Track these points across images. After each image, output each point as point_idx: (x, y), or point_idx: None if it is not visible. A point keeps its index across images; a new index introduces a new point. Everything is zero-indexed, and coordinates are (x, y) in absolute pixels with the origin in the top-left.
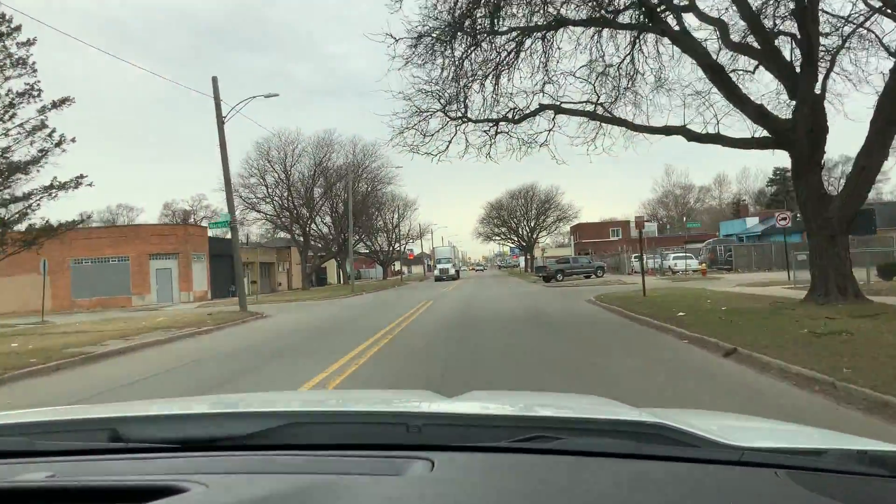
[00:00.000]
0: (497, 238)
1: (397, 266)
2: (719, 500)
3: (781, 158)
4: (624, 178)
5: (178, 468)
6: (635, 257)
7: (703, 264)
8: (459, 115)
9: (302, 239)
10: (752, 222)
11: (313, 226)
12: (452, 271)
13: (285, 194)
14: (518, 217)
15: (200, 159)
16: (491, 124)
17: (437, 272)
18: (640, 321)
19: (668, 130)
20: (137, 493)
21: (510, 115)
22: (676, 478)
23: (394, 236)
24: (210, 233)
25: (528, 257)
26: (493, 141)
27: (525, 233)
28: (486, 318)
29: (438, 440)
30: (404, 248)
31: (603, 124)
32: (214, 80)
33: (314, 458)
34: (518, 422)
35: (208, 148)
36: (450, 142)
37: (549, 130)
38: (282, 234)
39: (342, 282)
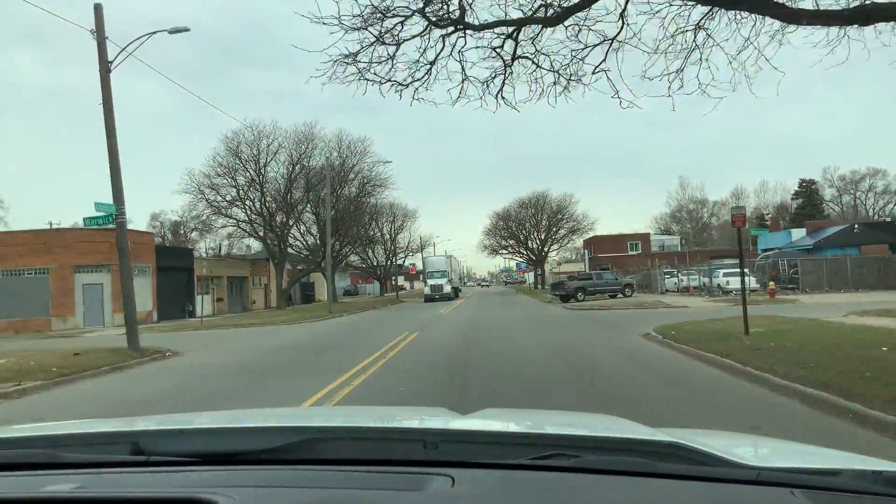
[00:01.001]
0: (504, 252)
1: (400, 281)
2: None
3: (808, 169)
4: (634, 194)
5: (201, 482)
6: (666, 273)
7: (771, 284)
8: (450, 18)
9: (277, 249)
10: (798, 234)
11: (294, 234)
12: (448, 288)
13: (258, 197)
14: (528, 229)
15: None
16: (504, 35)
17: (427, 290)
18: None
19: None
20: None
21: (543, 12)
22: (695, 496)
23: (391, 248)
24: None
25: (538, 273)
26: (509, 68)
27: (535, 246)
28: (496, 368)
29: (456, 457)
30: (404, 261)
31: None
32: (98, 7)
33: (335, 474)
34: (535, 440)
35: (198, 152)
36: (432, 63)
37: (611, 40)
38: (255, 245)
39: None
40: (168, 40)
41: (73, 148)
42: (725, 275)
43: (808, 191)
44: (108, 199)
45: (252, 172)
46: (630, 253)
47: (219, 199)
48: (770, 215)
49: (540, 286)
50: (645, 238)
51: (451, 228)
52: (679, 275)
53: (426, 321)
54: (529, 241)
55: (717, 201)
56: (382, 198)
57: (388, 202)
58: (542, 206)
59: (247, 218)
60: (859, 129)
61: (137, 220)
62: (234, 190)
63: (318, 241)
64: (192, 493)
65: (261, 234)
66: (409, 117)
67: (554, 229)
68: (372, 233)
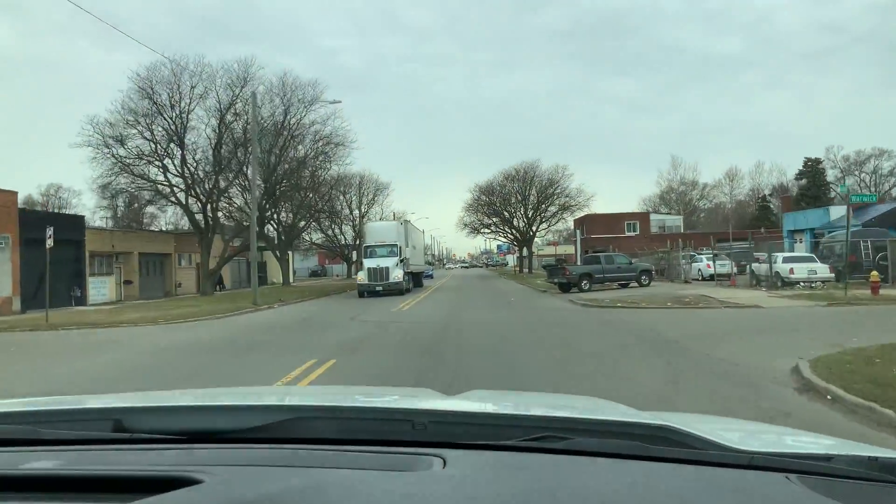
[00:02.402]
0: (487, 231)
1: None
2: (732, 503)
3: (811, 148)
4: (623, 174)
5: (186, 459)
6: (688, 256)
7: (874, 274)
8: None
9: (203, 219)
10: (837, 213)
11: (230, 201)
12: (397, 274)
13: (178, 153)
14: (513, 205)
15: None
16: None
17: (362, 276)
18: None
19: None
20: (147, 483)
21: None
22: (687, 480)
23: (360, 225)
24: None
25: (522, 255)
26: None
27: (522, 224)
28: None
29: (445, 438)
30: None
31: None
32: None
33: (323, 453)
34: (524, 421)
35: None
36: None
37: None
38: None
39: (293, 279)
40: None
41: None
42: (786, 260)
43: (813, 170)
44: None
45: (169, 121)
46: (627, 234)
47: (128, 154)
48: (767, 195)
49: (527, 270)
50: (644, 217)
51: (430, 207)
52: (705, 259)
53: (366, 331)
54: (515, 220)
55: (706, 184)
56: (347, 164)
57: (356, 172)
58: (530, 178)
59: (165, 179)
60: (846, 113)
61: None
62: (151, 144)
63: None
64: (178, 471)
65: (183, 200)
66: (394, 97)
67: (543, 205)
68: (339, 207)
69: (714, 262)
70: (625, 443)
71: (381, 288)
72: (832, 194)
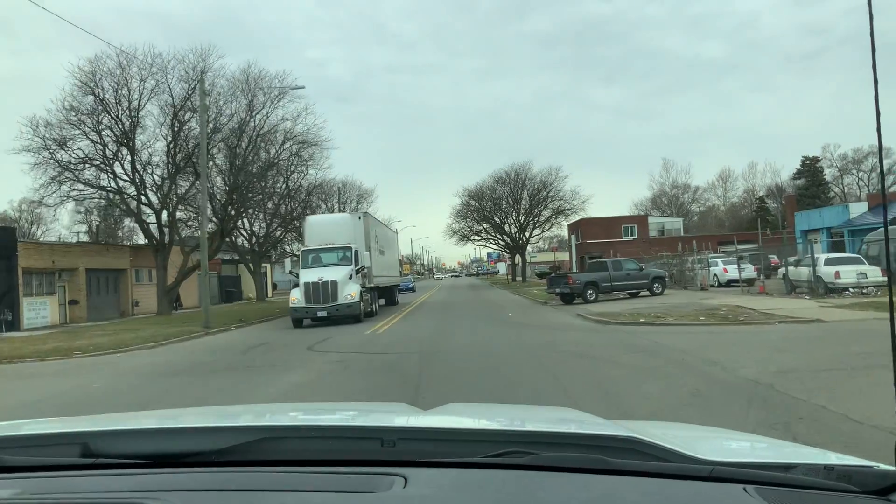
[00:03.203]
0: (477, 238)
1: None
2: None
3: (809, 146)
4: (614, 180)
5: (148, 485)
6: (704, 261)
7: None
8: None
9: (158, 229)
10: (857, 210)
11: (192, 209)
12: (351, 292)
13: (127, 156)
14: (504, 210)
15: None
16: None
17: (296, 296)
18: None
19: None
20: None
21: None
22: (647, 494)
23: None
24: None
25: (514, 262)
26: None
27: (514, 230)
28: None
29: (412, 455)
30: None
31: None
32: None
33: (286, 475)
34: (492, 436)
35: None
36: None
37: None
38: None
39: (268, 294)
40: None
41: None
42: (829, 262)
43: (811, 169)
44: None
45: (117, 120)
46: (625, 238)
47: (71, 159)
48: (762, 196)
49: (520, 278)
50: (642, 221)
51: (421, 218)
52: (721, 263)
53: (319, 370)
54: (506, 225)
55: (698, 187)
56: (325, 168)
57: (339, 179)
58: (522, 181)
59: (115, 186)
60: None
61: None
62: (100, 147)
63: (218, 222)
64: (135, 498)
65: (135, 208)
66: (382, 107)
67: (537, 209)
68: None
69: (738, 265)
70: (588, 456)
71: (325, 313)
72: (831, 194)
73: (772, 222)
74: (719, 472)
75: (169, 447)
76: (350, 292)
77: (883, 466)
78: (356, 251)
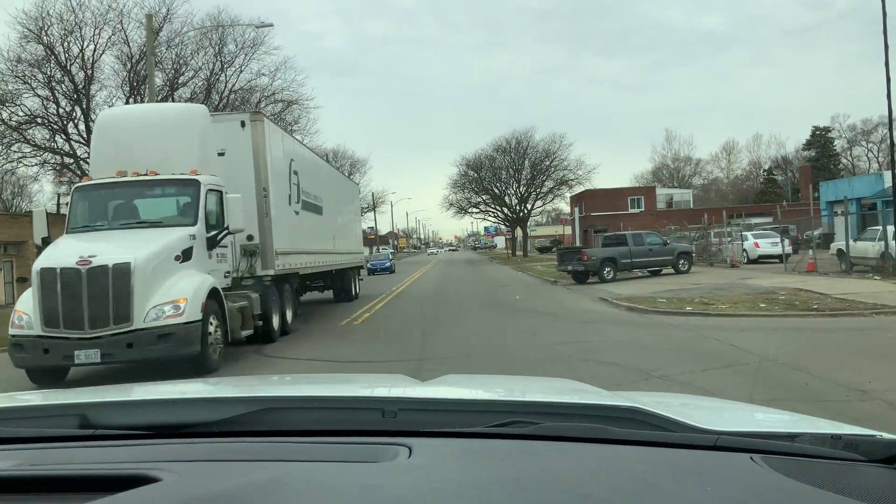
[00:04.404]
0: (475, 210)
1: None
2: (695, 485)
3: (818, 116)
4: (614, 153)
5: (149, 455)
6: (738, 234)
7: None
8: None
9: None
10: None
11: None
12: (163, 303)
13: (80, 115)
14: (505, 180)
15: None
16: None
17: (24, 306)
18: None
19: None
20: (107, 481)
21: None
22: (651, 463)
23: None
24: None
25: (514, 236)
26: None
27: (514, 202)
28: None
29: (414, 426)
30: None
31: None
32: None
33: (289, 445)
34: (494, 406)
35: None
36: None
37: None
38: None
39: None
40: None
41: None
42: None
43: (822, 140)
44: None
45: (68, 73)
46: (631, 210)
47: (11, 116)
48: (773, 167)
49: (520, 253)
50: (649, 192)
51: (417, 190)
52: (751, 237)
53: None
54: (507, 197)
55: (700, 159)
56: (313, 133)
57: (330, 149)
58: (524, 149)
59: (70, 149)
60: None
61: None
62: (53, 105)
63: None
64: (137, 468)
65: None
66: (379, 80)
67: (539, 179)
68: None
69: (782, 240)
70: (592, 426)
71: (95, 352)
72: (839, 165)
73: (780, 194)
74: (724, 442)
75: (169, 418)
76: (170, 298)
77: (887, 435)
78: (210, 192)
